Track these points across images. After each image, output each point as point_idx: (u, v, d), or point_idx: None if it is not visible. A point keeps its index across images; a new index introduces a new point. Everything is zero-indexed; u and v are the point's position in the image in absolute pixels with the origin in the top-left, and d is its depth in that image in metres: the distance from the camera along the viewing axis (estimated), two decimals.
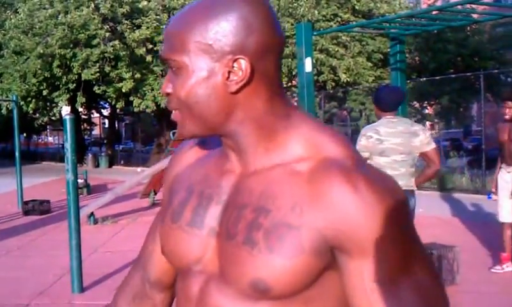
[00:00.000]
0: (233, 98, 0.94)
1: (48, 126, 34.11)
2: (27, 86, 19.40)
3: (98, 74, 18.68)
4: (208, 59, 0.92)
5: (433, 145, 4.33)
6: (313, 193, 0.89)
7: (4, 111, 19.63)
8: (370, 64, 20.73)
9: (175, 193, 1.08)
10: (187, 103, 0.94)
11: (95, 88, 20.06)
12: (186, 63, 0.93)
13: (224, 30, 0.92)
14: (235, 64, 0.92)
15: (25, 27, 18.69)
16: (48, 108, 21.93)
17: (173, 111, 0.98)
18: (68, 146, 5.59)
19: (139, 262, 1.20)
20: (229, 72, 0.92)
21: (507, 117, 5.65)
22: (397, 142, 4.20)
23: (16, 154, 12.14)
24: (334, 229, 0.87)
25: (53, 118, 22.72)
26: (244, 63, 0.92)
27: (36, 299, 5.34)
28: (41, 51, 18.13)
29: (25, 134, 37.91)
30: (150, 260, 1.17)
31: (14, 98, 13.24)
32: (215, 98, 0.94)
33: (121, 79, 19.18)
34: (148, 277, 1.18)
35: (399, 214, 0.88)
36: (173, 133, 22.88)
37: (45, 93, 20.22)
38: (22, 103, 19.44)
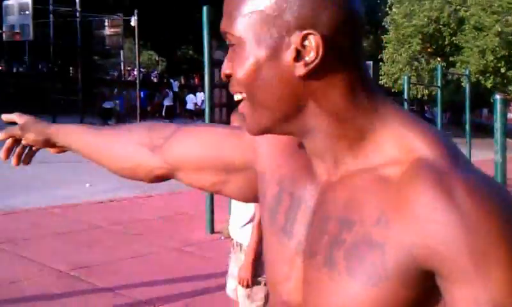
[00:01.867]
0: (303, 85, 0.77)
1: None
2: (484, 62, 20.00)
3: None
4: (271, 34, 0.76)
5: None
6: (400, 202, 0.72)
7: (465, 84, 20.69)
8: None
9: (267, 181, 0.94)
10: (247, 88, 0.79)
11: None
12: (243, 38, 0.77)
13: None
14: (306, 42, 0.75)
15: (485, 5, 19.31)
16: (505, 84, 21.95)
17: (238, 100, 0.82)
18: (497, 126, 5.32)
19: (182, 128, 1.10)
20: (297, 51, 0.75)
21: None
22: None
23: (467, 127, 12.95)
24: (425, 248, 0.69)
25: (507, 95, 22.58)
26: (315, 41, 0.74)
27: None
28: (499, 29, 18.42)
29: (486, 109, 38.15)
30: (181, 137, 1.08)
31: (467, 73, 14.04)
32: (279, 82, 0.77)
33: None
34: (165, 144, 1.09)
35: (510, 229, 0.68)
36: None
37: (502, 70, 20.44)
38: (480, 78, 20.18)
